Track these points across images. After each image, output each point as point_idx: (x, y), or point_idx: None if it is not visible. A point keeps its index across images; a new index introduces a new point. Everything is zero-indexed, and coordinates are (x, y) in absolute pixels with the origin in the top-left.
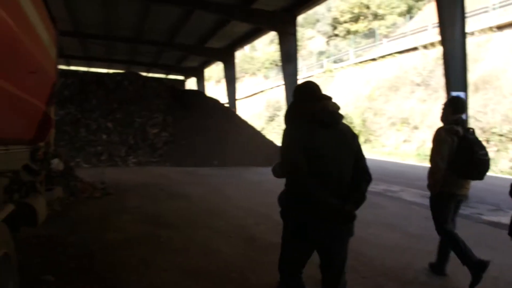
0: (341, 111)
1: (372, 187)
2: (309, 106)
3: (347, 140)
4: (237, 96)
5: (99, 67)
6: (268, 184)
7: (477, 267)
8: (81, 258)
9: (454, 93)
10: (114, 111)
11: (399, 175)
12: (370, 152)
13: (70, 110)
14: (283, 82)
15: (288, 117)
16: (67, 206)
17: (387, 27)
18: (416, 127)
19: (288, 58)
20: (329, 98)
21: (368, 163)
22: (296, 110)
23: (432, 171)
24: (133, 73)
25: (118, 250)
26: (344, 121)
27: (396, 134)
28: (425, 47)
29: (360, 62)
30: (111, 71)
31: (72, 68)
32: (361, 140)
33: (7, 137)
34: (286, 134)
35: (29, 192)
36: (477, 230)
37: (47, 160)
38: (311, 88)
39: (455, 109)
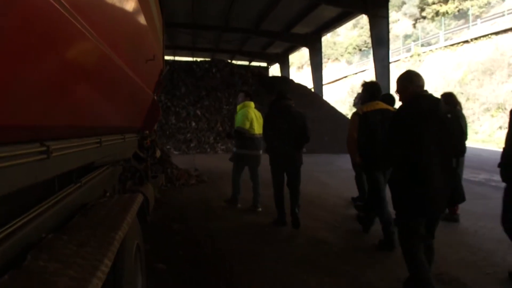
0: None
1: (473, 176)
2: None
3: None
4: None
5: (184, 56)
6: None
7: None
8: (189, 246)
9: None
10: (202, 99)
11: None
12: None
13: (160, 98)
14: (372, 67)
15: None
16: (165, 193)
17: (480, 7)
18: None
19: (379, 42)
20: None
21: None
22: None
23: None
24: (220, 60)
25: (224, 239)
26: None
27: (490, 121)
28: None
29: (451, 45)
30: (195, 59)
31: None
32: None
33: (126, 125)
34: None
35: (142, 180)
36: None
37: (153, 147)
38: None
39: None
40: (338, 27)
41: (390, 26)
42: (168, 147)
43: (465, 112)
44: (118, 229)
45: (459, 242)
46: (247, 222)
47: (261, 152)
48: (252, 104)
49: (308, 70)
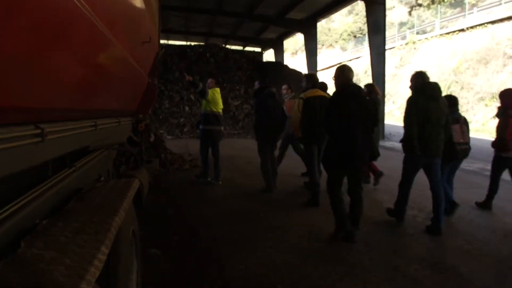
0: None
1: (467, 165)
2: None
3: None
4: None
5: (177, 40)
6: None
7: None
8: (183, 231)
9: None
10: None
11: (492, 153)
12: None
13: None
14: (368, 53)
15: None
16: (159, 178)
17: None
18: None
19: (375, 29)
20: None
21: None
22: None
23: None
24: (215, 45)
25: (218, 224)
26: None
27: (484, 110)
28: None
29: (447, 33)
30: (189, 43)
31: None
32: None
33: (121, 108)
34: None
35: (136, 165)
36: None
37: (147, 132)
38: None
39: None
40: (334, 13)
41: (386, 13)
42: (161, 131)
43: (460, 101)
44: (115, 216)
45: (455, 231)
46: (241, 208)
47: (222, 128)
48: (218, 89)
49: (302, 56)
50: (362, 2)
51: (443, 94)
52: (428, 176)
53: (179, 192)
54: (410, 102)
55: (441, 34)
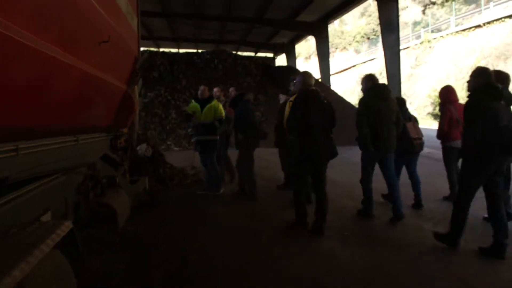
0: None
1: None
2: None
3: None
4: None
5: (187, 48)
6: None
7: None
8: (168, 263)
9: None
10: None
11: None
12: None
13: (160, 91)
14: (382, 54)
15: None
16: (155, 196)
17: None
18: None
19: (389, 28)
20: None
21: None
22: None
23: None
24: (222, 50)
25: (214, 250)
26: None
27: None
28: None
29: (463, 30)
30: (200, 50)
31: (162, 50)
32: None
33: (81, 124)
34: None
35: (106, 188)
36: None
37: (130, 147)
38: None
39: None
40: (345, 14)
41: (399, 13)
42: (168, 143)
43: None
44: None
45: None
46: (242, 229)
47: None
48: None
49: (315, 60)
50: (375, 1)
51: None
52: (382, 169)
53: (173, 211)
54: (362, 103)
55: (456, 32)
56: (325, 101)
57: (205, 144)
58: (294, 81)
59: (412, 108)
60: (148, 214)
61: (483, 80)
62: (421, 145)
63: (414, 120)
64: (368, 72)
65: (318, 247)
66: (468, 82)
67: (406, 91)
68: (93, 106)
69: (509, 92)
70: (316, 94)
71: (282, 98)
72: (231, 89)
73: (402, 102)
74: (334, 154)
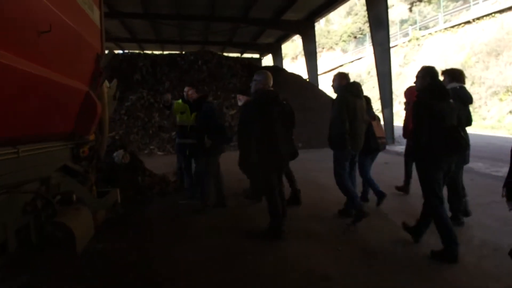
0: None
1: (495, 170)
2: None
3: None
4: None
5: (172, 50)
6: None
7: None
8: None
9: None
10: None
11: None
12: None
13: (142, 94)
14: (370, 53)
15: None
16: (132, 208)
17: None
18: None
19: (378, 24)
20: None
21: (472, 139)
22: None
23: None
24: (207, 51)
25: (193, 274)
26: None
27: (499, 105)
28: None
29: (452, 27)
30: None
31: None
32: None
33: (19, 133)
34: None
35: (64, 205)
36: None
37: (97, 156)
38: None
39: None
40: (331, 11)
41: (388, 5)
42: (151, 147)
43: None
44: None
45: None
46: (227, 248)
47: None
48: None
49: (302, 60)
50: None
51: None
52: (352, 167)
53: (152, 226)
54: (341, 99)
55: (445, 28)
56: (284, 102)
57: (194, 148)
58: (254, 80)
59: (402, 107)
60: (122, 230)
61: (428, 80)
62: (384, 144)
63: (378, 119)
64: (342, 71)
65: (312, 258)
66: (414, 82)
67: (395, 90)
68: (40, 112)
69: (465, 90)
70: (277, 95)
71: (241, 99)
72: (186, 89)
73: (368, 101)
74: (294, 155)
